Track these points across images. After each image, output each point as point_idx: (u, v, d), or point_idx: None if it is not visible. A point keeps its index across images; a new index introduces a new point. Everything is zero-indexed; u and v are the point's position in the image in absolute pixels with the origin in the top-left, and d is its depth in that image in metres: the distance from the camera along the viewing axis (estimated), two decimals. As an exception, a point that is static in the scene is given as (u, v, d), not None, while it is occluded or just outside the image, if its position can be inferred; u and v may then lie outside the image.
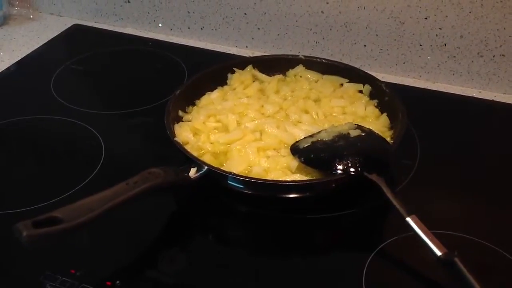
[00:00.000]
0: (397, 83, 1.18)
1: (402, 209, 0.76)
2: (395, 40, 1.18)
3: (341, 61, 1.14)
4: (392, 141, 0.91)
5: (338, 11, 1.19)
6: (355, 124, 0.94)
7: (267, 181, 0.85)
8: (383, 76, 1.18)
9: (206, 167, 0.85)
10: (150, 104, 1.12)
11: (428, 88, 1.18)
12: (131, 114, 1.11)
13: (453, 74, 1.17)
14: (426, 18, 1.13)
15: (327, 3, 1.19)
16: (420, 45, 1.16)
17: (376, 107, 1.02)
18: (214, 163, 0.90)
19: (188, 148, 0.91)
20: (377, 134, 0.92)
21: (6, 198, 0.91)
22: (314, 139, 0.91)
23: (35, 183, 0.95)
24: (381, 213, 0.88)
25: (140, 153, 1.01)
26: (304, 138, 0.92)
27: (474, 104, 1.14)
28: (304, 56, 1.12)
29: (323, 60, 1.11)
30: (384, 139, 0.91)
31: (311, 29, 1.24)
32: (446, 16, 1.11)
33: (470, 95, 1.16)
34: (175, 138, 0.91)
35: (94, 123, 1.06)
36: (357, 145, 0.88)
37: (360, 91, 1.06)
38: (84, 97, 1.17)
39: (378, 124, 0.97)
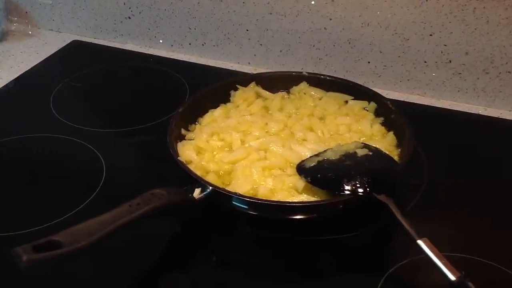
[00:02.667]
0: (402, 100, 1.17)
1: (413, 232, 0.74)
2: (399, 56, 1.16)
3: (345, 78, 1.12)
4: (399, 160, 0.89)
5: (341, 28, 1.17)
6: (362, 143, 0.92)
7: (274, 202, 0.83)
8: (387, 93, 1.16)
9: (210, 188, 0.83)
10: (151, 122, 1.10)
11: (433, 105, 1.17)
12: (133, 132, 1.09)
13: (458, 91, 1.16)
14: (431, 35, 1.11)
15: (330, 19, 1.17)
16: (425, 61, 1.15)
17: (382, 125, 1.01)
18: (218, 183, 0.88)
19: (191, 167, 0.89)
20: (385, 153, 0.90)
21: (4, 220, 0.89)
22: (320, 158, 0.89)
23: (34, 204, 0.92)
24: (389, 235, 0.86)
25: (142, 172, 0.99)
26: (310, 157, 0.90)
27: (479, 122, 1.12)
28: (308, 72, 1.10)
29: (327, 77, 1.09)
30: (392, 159, 0.89)
31: (314, 46, 1.22)
32: (451, 32, 1.10)
33: (476, 112, 1.14)
34: (179, 158, 0.89)
35: (94, 142, 1.04)
36: (365, 165, 0.86)
37: (365, 109, 1.04)
38: (84, 115, 1.15)
39: (384, 142, 0.96)
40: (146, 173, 0.99)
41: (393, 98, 1.10)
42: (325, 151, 0.91)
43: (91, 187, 0.93)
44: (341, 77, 1.11)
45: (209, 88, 1.07)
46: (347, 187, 0.81)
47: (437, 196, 0.92)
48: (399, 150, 0.94)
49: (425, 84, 1.17)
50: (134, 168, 1.00)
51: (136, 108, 1.17)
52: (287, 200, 0.84)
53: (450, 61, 1.13)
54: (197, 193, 0.84)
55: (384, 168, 0.86)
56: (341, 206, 0.84)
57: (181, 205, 0.82)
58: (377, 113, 1.03)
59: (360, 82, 1.12)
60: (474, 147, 1.04)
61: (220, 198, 0.84)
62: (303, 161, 0.90)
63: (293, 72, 1.12)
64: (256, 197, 0.84)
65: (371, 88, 1.07)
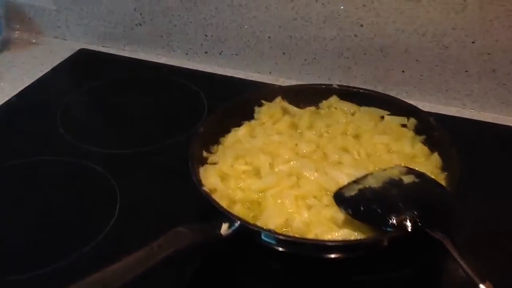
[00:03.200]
0: (439, 112, 1.06)
1: (475, 275, 0.65)
2: (437, 65, 1.06)
3: (376, 89, 1.03)
4: (449, 187, 0.79)
5: (373, 34, 1.08)
6: (406, 167, 0.83)
7: (313, 241, 0.73)
8: (423, 105, 1.06)
9: (239, 223, 0.74)
10: (168, 141, 1.01)
11: (474, 118, 1.07)
12: (148, 153, 0.99)
13: (503, 103, 1.06)
14: (473, 42, 1.01)
15: (362, 25, 1.07)
16: (466, 71, 1.05)
17: (424, 143, 0.90)
18: (246, 214, 0.79)
19: (216, 196, 0.80)
20: (433, 180, 0.81)
21: (9, 261, 0.79)
22: (361, 186, 0.80)
23: (38, 241, 0.82)
24: (438, 274, 0.76)
25: (160, 202, 0.88)
26: (349, 184, 0.81)
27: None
28: (338, 85, 1.00)
29: (360, 90, 1.00)
30: (442, 187, 0.79)
31: (342, 54, 1.12)
32: (497, 40, 1.00)
33: None
34: (203, 188, 0.79)
35: (106, 165, 0.94)
36: (414, 195, 0.76)
37: (404, 125, 0.94)
38: (95, 134, 1.06)
39: (428, 165, 0.86)
40: (165, 203, 0.88)
41: (429, 111, 1.00)
42: (365, 177, 0.82)
43: (104, 220, 0.84)
44: (374, 89, 1.02)
45: (232, 105, 0.97)
46: (395, 222, 0.72)
47: (485, 223, 0.82)
48: (446, 173, 0.84)
49: (466, 95, 1.08)
50: (152, 196, 0.90)
51: (150, 125, 1.08)
52: (326, 236, 0.75)
53: (494, 71, 1.03)
54: (224, 228, 0.75)
55: (436, 199, 0.77)
56: (386, 244, 0.74)
57: (207, 244, 0.73)
58: (417, 130, 0.93)
59: (392, 93, 1.03)
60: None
61: (250, 234, 0.75)
62: (341, 188, 0.80)
63: (323, 84, 1.03)
64: (292, 236, 0.74)
65: (404, 99, 0.97)
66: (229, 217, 0.75)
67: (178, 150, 0.90)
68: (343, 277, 0.76)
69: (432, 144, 0.90)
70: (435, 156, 0.87)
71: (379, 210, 0.74)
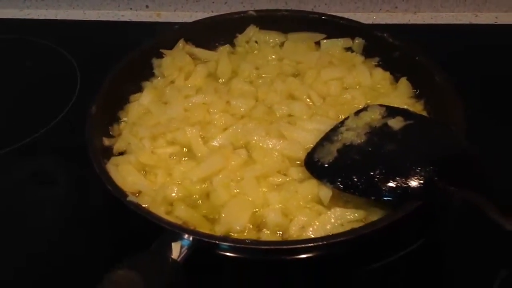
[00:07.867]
0: (368, 22, 0.90)
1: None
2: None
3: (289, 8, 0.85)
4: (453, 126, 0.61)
5: None
6: (382, 106, 0.64)
7: (308, 243, 0.53)
8: (347, 16, 0.87)
9: (192, 238, 0.52)
10: (34, 132, 0.72)
11: (410, 22, 0.93)
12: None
13: (443, -4, 0.92)
14: None
15: None
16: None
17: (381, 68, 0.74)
18: (195, 216, 0.59)
19: (145, 202, 0.59)
20: (427, 118, 0.65)
21: None
22: (339, 145, 0.61)
23: None
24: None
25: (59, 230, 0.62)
26: (321, 143, 0.62)
27: (472, 33, 0.89)
28: (255, 11, 0.78)
29: (284, 13, 0.81)
30: (445, 126, 0.61)
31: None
32: None
33: (466, 22, 0.91)
34: (128, 198, 0.54)
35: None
36: (417, 145, 0.58)
37: (349, 49, 0.77)
38: None
39: (398, 96, 0.71)
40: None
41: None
42: (336, 129, 0.63)
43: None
44: (296, 9, 0.84)
45: (121, 65, 0.72)
46: (414, 191, 0.53)
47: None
48: (423, 101, 0.68)
49: (396, -6, 0.92)
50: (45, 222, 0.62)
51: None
52: (314, 224, 0.57)
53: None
54: (176, 250, 0.53)
55: (449, 146, 0.58)
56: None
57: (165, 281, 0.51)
58: (367, 53, 0.76)
59: (308, 7, 0.89)
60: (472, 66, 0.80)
61: (212, 247, 0.53)
62: (312, 153, 0.62)
63: (235, 14, 0.80)
64: (278, 242, 0.56)
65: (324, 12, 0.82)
66: (178, 232, 0.52)
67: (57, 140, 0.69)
68: (341, 271, 0.57)
69: (391, 67, 0.74)
70: (403, 82, 0.72)
71: (381, 177, 0.55)
